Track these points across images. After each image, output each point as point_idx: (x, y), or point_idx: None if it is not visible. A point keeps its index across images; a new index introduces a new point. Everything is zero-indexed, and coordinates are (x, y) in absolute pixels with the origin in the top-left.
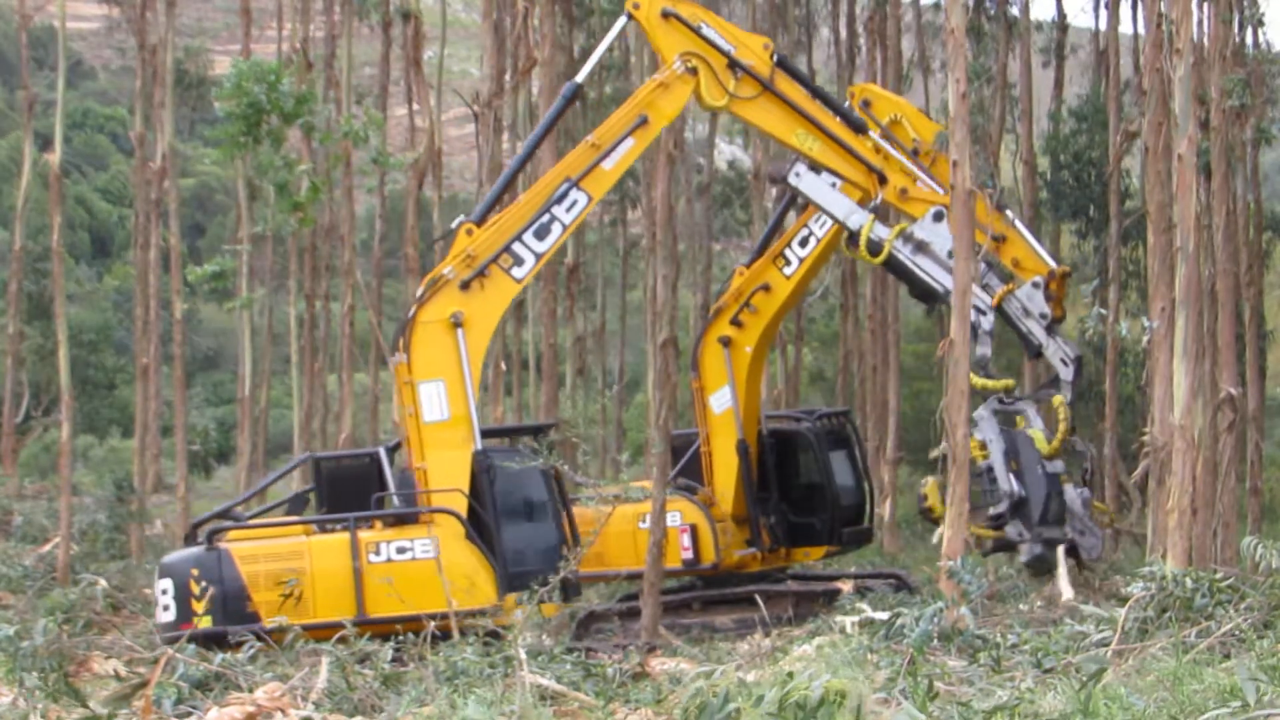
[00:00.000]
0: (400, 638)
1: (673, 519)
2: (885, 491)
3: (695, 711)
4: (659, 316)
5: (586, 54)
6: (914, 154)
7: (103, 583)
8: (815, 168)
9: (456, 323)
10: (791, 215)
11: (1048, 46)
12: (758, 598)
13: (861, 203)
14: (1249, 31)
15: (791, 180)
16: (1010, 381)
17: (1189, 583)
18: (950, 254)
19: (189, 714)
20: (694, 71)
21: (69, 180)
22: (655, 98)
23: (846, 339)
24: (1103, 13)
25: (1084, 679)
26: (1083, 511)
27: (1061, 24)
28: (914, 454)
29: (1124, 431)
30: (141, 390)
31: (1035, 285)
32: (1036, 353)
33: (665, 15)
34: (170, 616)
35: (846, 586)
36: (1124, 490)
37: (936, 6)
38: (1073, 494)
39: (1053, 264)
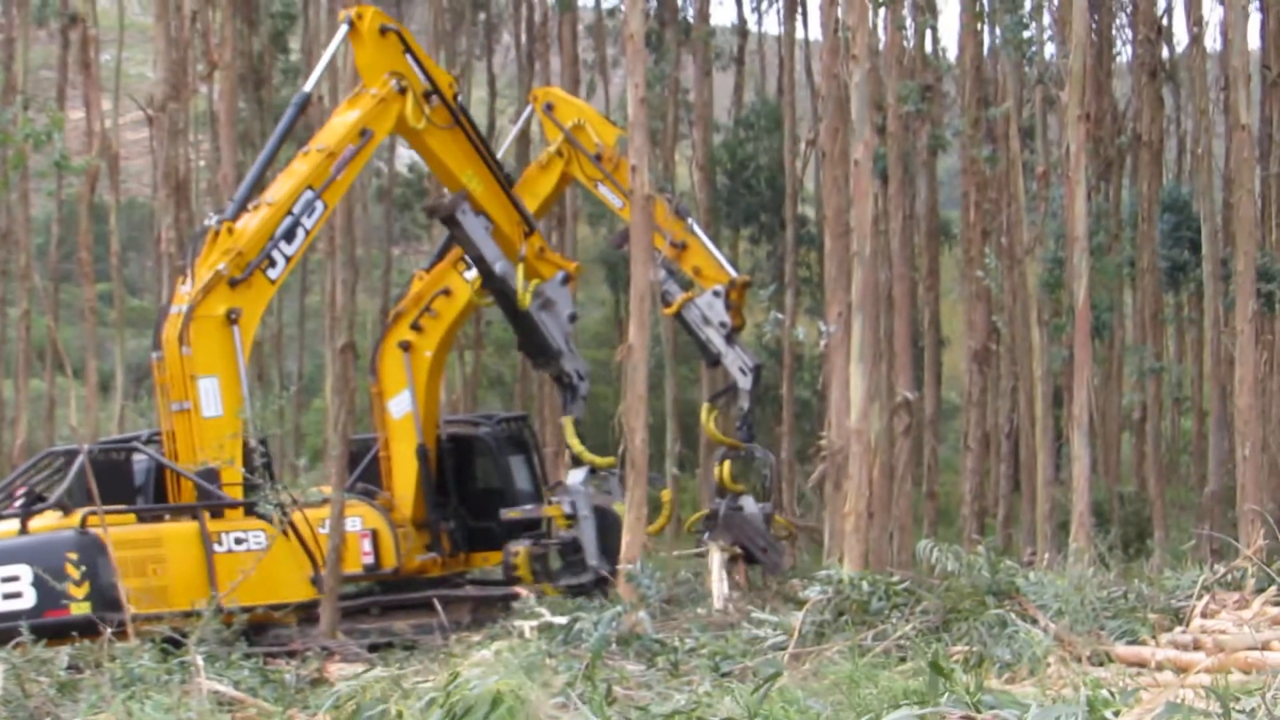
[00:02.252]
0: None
1: (353, 524)
2: None
3: (349, 714)
4: (338, 321)
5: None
6: (597, 159)
7: None
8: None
9: (234, 319)
10: None
11: (727, 52)
12: (436, 603)
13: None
14: (926, 40)
15: (459, 216)
16: (612, 460)
17: (865, 586)
18: (570, 318)
19: None
20: (404, 91)
21: None
22: (378, 113)
23: None
24: (781, 20)
25: (760, 682)
26: (764, 527)
27: (741, 30)
28: None
29: (801, 436)
30: None
31: (716, 294)
32: (715, 361)
33: (384, 31)
34: (26, 604)
35: (525, 591)
36: (801, 494)
37: (613, 13)
38: (754, 509)
39: (733, 273)
